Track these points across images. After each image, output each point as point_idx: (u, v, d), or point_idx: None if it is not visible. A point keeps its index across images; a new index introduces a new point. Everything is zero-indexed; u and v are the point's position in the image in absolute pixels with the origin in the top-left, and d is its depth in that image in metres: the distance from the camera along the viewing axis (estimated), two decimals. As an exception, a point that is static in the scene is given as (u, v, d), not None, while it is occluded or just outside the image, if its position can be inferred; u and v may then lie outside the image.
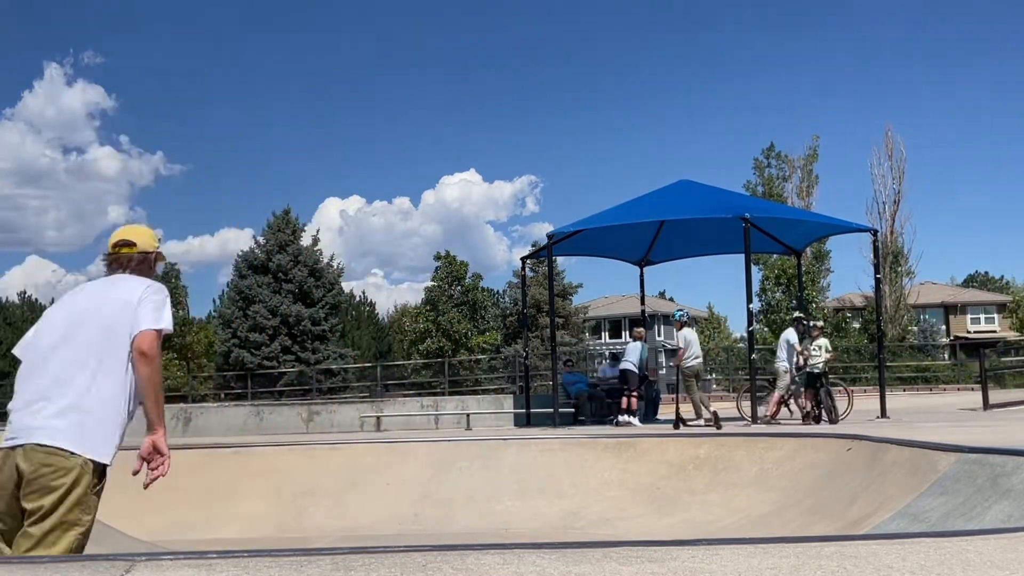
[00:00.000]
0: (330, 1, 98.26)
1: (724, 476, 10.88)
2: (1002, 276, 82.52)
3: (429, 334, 43.21)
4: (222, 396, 36.27)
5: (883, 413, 15.01)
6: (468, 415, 18.68)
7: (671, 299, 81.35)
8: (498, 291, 48.25)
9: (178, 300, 42.03)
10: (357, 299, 53.07)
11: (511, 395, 23.13)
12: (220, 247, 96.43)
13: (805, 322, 15.42)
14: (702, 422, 14.78)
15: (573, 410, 17.40)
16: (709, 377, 46.94)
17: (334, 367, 36.72)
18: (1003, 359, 40.77)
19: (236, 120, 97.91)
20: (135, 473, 3.89)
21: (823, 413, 14.37)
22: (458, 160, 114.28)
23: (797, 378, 14.85)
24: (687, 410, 15.52)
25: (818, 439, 10.76)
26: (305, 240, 39.23)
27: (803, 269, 24.71)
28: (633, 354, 16.86)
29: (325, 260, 39.36)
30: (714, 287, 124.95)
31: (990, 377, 19.91)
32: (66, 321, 3.82)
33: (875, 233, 19.21)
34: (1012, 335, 58.16)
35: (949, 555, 3.58)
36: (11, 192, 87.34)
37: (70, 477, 3.60)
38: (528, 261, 24.92)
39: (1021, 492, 6.09)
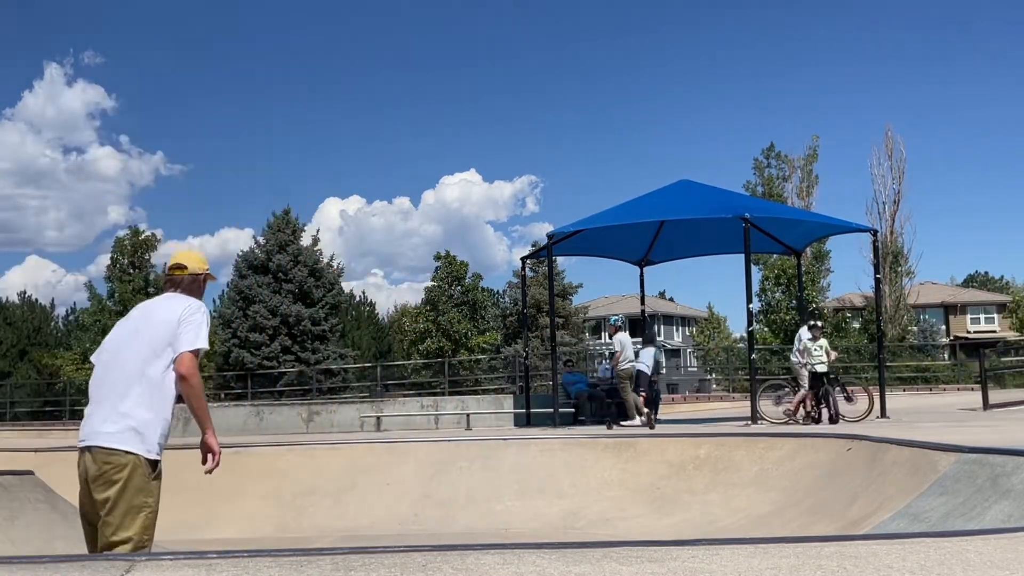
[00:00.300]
0: (330, 1, 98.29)
1: (724, 476, 10.88)
2: (1002, 276, 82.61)
3: (429, 334, 43.20)
4: (222, 396, 36.26)
5: (883, 413, 15.01)
6: (468, 415, 18.68)
7: (671, 299, 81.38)
8: (498, 291, 48.27)
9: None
10: (357, 299, 53.07)
11: (511, 395, 23.12)
12: (220, 247, 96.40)
13: (819, 326, 15.31)
14: (638, 422, 15.25)
15: (573, 410, 17.40)
16: (709, 377, 46.99)
17: (334, 367, 36.72)
18: (1003, 359, 40.77)
19: (236, 120, 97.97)
20: (204, 464, 4.80)
21: (823, 413, 14.36)
22: (458, 160, 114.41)
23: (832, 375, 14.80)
24: (693, 410, 15.52)
25: (818, 439, 10.76)
26: (305, 240, 39.23)
27: (803, 269, 24.71)
28: (647, 357, 17.11)
29: (325, 260, 39.35)
30: (714, 287, 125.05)
31: (990, 377, 19.90)
32: (122, 336, 4.62)
33: (875, 233, 19.21)
34: (1012, 335, 58.14)
35: (949, 555, 3.58)
36: (11, 192, 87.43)
37: (126, 472, 4.41)
38: (528, 261, 24.92)
39: (1021, 492, 6.09)
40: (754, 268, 37.42)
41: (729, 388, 37.48)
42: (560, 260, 38.04)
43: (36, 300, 53.42)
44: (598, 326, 72.43)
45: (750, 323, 15.91)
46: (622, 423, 15.48)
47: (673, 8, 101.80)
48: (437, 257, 45.93)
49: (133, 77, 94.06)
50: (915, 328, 48.52)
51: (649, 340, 17.74)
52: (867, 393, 15.08)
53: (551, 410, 16.72)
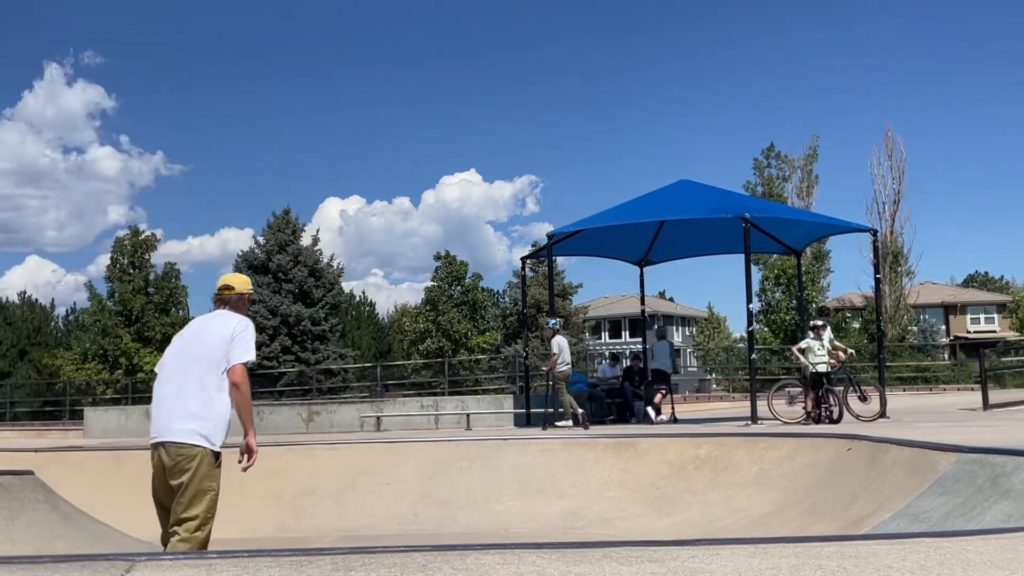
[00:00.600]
0: (330, 1, 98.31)
1: (724, 476, 10.87)
2: (1002, 276, 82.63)
3: (429, 334, 43.19)
4: (222, 396, 36.24)
5: (883, 413, 14.99)
6: (468, 415, 18.67)
7: (671, 299, 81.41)
8: (498, 291, 48.25)
9: (178, 300, 41.96)
10: (357, 299, 53.09)
11: (511, 395, 23.10)
12: (220, 247, 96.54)
13: (821, 326, 15.29)
14: (570, 423, 15.65)
15: (573, 410, 17.37)
16: (709, 377, 46.98)
17: (334, 367, 36.72)
18: (1003, 359, 40.76)
19: (236, 120, 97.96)
20: (240, 462, 5.60)
21: (823, 413, 14.33)
22: (458, 160, 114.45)
23: (834, 375, 14.73)
24: (693, 410, 15.50)
25: (818, 439, 10.75)
26: (305, 240, 39.23)
27: (803, 269, 24.71)
28: (662, 354, 17.31)
29: (325, 260, 39.35)
30: (714, 287, 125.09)
31: (990, 377, 19.89)
32: (183, 347, 5.47)
33: (875, 233, 19.18)
34: (1012, 335, 58.14)
35: (949, 555, 3.58)
36: (11, 192, 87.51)
37: (196, 461, 5.26)
38: (528, 261, 24.91)
39: (1021, 492, 6.09)
40: (754, 268, 37.44)
41: (729, 388, 37.46)
42: (560, 260, 38.05)
43: (36, 300, 53.49)
44: (598, 326, 72.49)
45: (750, 323, 15.89)
46: (556, 424, 15.88)
47: (673, 8, 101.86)
48: (437, 257, 45.94)
49: (133, 77, 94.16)
50: (915, 328, 48.50)
51: (661, 336, 18.11)
52: (878, 392, 14.93)
53: (551, 410, 16.71)
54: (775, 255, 34.31)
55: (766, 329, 41.80)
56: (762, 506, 9.81)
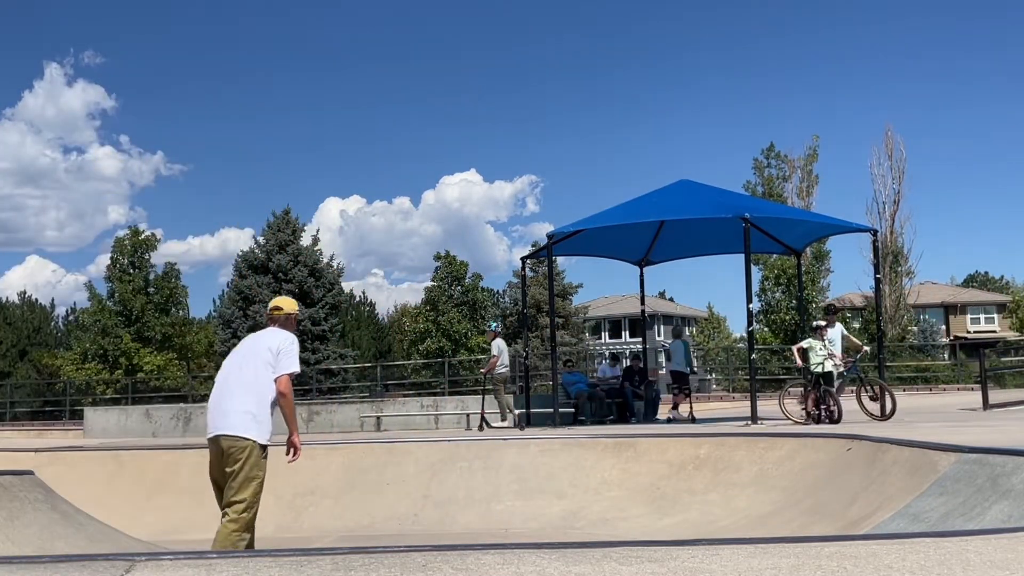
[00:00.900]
0: (329, 2, 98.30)
1: (724, 476, 10.87)
2: (1002, 276, 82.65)
3: (429, 334, 43.19)
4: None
5: (883, 414, 14.97)
6: (468, 415, 18.65)
7: (671, 299, 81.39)
8: (498, 291, 48.26)
9: (178, 300, 41.96)
10: (357, 299, 53.08)
11: (511, 395, 23.11)
12: (220, 247, 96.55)
13: (823, 326, 15.29)
14: (506, 424, 16.14)
15: (573, 410, 17.39)
16: (709, 377, 47.00)
17: (334, 367, 36.71)
18: (1003, 359, 40.75)
19: (236, 120, 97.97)
20: (287, 456, 6.54)
21: (823, 413, 14.31)
22: (458, 160, 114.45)
23: (845, 373, 14.68)
24: (693, 410, 15.50)
25: (818, 439, 10.74)
26: (305, 240, 39.22)
27: (803, 269, 24.69)
28: (678, 354, 17.55)
29: (325, 260, 39.34)
30: (714, 287, 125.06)
31: (990, 377, 19.88)
32: (240, 357, 6.51)
33: (875, 233, 19.17)
34: (1012, 335, 58.14)
35: (949, 555, 3.58)
36: (11, 192, 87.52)
37: (247, 452, 6.23)
38: (528, 261, 24.89)
39: (1021, 492, 6.09)
40: (754, 268, 37.42)
41: (729, 388, 37.46)
42: (560, 260, 38.04)
43: (36, 300, 53.49)
44: (598, 326, 72.46)
45: (750, 323, 15.88)
46: (492, 425, 16.45)
47: (673, 8, 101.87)
48: (437, 257, 45.96)
49: (133, 77, 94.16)
50: (915, 328, 48.49)
51: (677, 335, 18.47)
52: (888, 392, 14.84)
53: (551, 410, 16.71)
54: (775, 255, 34.31)
55: (766, 329, 41.79)
56: (762, 506, 9.80)
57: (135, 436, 18.97)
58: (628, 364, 19.82)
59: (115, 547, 8.04)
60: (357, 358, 40.15)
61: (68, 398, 36.12)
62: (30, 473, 8.82)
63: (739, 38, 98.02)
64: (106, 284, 40.93)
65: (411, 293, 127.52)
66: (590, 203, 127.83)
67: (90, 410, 22.88)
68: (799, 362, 15.01)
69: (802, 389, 15.37)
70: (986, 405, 16.85)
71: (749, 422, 14.78)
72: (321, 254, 39.32)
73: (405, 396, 28.16)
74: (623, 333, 73.75)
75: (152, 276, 41.02)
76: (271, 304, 6.77)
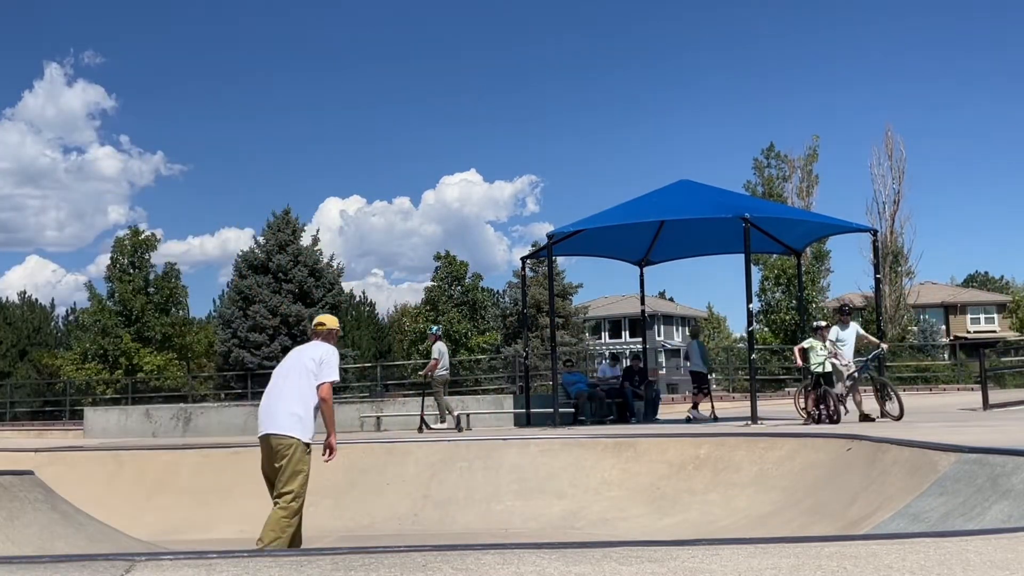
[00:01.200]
0: (329, 2, 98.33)
1: (724, 476, 10.87)
2: (1002, 276, 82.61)
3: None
4: (222, 396, 36.24)
5: (883, 413, 14.97)
6: (468, 415, 18.65)
7: (671, 299, 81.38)
8: (498, 291, 48.22)
9: (178, 300, 41.94)
10: (357, 299, 53.05)
11: (511, 395, 23.09)
12: (220, 247, 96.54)
13: (824, 326, 15.27)
14: (445, 425, 16.52)
15: (573, 410, 17.39)
16: (710, 377, 46.96)
17: (334, 367, 36.62)
18: (1003, 359, 40.74)
19: (236, 120, 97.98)
20: (323, 456, 7.29)
21: (823, 413, 14.29)
22: (458, 160, 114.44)
23: (856, 374, 14.58)
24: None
25: (818, 439, 10.75)
26: (305, 240, 39.20)
27: (803, 269, 24.69)
28: (696, 354, 17.71)
29: (325, 260, 39.33)
30: (714, 287, 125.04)
31: (990, 377, 19.87)
32: (288, 366, 7.36)
33: (875, 233, 19.18)
34: (1012, 335, 58.14)
35: (949, 555, 3.58)
36: (11, 192, 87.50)
37: (292, 448, 7.03)
38: (528, 261, 24.88)
39: (1021, 492, 6.09)
40: (754, 268, 37.41)
41: (729, 388, 37.43)
42: (560, 260, 38.02)
43: (36, 300, 53.44)
44: (598, 326, 72.47)
45: (750, 323, 15.89)
46: (431, 427, 16.86)
47: (673, 8, 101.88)
48: (437, 257, 45.96)
49: (133, 77, 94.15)
50: (915, 328, 48.47)
51: (694, 335, 18.69)
52: (895, 393, 14.75)
53: (551, 410, 16.71)
54: (775, 255, 34.30)
55: (766, 329, 41.79)
56: (762, 506, 9.80)
57: (135, 436, 18.97)
58: (628, 364, 19.82)
59: (115, 547, 8.05)
60: (357, 358, 40.14)
61: (68, 398, 36.11)
62: (30, 473, 8.82)
63: (739, 38, 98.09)
64: (106, 284, 40.94)
65: (411, 293, 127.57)
66: (590, 203, 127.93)
67: (90, 410, 22.88)
68: (799, 362, 15.00)
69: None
70: (986, 405, 16.84)
71: (749, 422, 14.78)
72: (321, 254, 39.32)
73: (405, 396, 28.15)
74: (623, 333, 73.75)
75: (152, 276, 41.00)
76: (315, 320, 7.75)
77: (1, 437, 23.34)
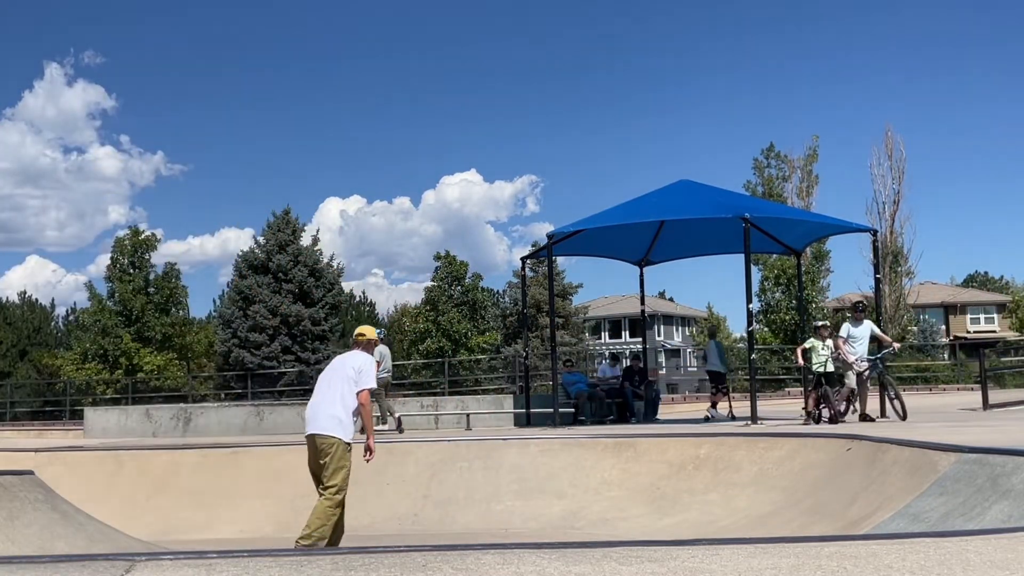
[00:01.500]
0: (329, 2, 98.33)
1: (724, 476, 10.87)
2: (1002, 276, 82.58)
3: (429, 334, 43.17)
4: (222, 396, 36.24)
5: (883, 413, 14.98)
6: (468, 415, 18.65)
7: (671, 299, 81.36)
8: (498, 291, 48.19)
9: (178, 300, 41.93)
10: (357, 299, 53.09)
11: (511, 395, 23.08)
12: (220, 247, 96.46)
13: (825, 326, 15.24)
14: (387, 427, 16.59)
15: (573, 410, 17.40)
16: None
17: (334, 367, 36.60)
18: (1003, 359, 40.73)
19: (236, 120, 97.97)
20: (364, 456, 8.05)
21: (823, 413, 14.29)
22: (458, 160, 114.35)
23: (867, 372, 14.51)
24: (693, 410, 15.47)
25: (818, 439, 10.75)
26: (305, 240, 39.19)
27: (803, 269, 24.68)
28: (713, 354, 17.77)
29: (325, 260, 39.32)
30: (714, 287, 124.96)
31: (990, 377, 19.87)
32: (330, 373, 8.17)
33: (875, 233, 19.17)
34: (1012, 335, 58.10)
35: (949, 555, 3.58)
36: (11, 192, 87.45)
37: (334, 447, 7.78)
38: (528, 261, 24.88)
39: (1021, 492, 6.10)
40: (754, 268, 37.39)
41: (729, 388, 37.39)
42: (560, 260, 38.01)
43: (36, 300, 53.47)
44: (598, 326, 72.47)
45: (750, 323, 15.89)
46: (378, 427, 16.77)
47: (673, 8, 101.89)
48: (437, 257, 45.90)
49: (133, 77, 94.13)
50: (915, 328, 48.45)
51: (711, 334, 18.77)
52: (898, 394, 14.65)
53: (551, 410, 16.71)
54: (775, 255, 34.29)
55: (766, 329, 41.76)
56: (762, 506, 9.81)
57: (135, 436, 18.96)
58: (628, 364, 19.82)
59: (115, 547, 8.05)
60: (357, 358, 40.04)
61: (68, 398, 36.10)
62: (30, 473, 8.82)
63: (739, 38, 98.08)
64: (106, 284, 40.91)
65: (411, 293, 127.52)
66: (590, 203, 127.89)
67: (90, 410, 22.87)
68: (800, 361, 14.98)
69: (837, 387, 14.98)
70: (986, 405, 16.85)
71: (749, 422, 14.78)
72: (321, 254, 39.30)
73: (405, 396, 28.15)
74: (623, 333, 73.75)
75: (152, 276, 40.98)
76: (356, 331, 8.55)
77: (1, 437, 23.34)
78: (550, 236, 18.15)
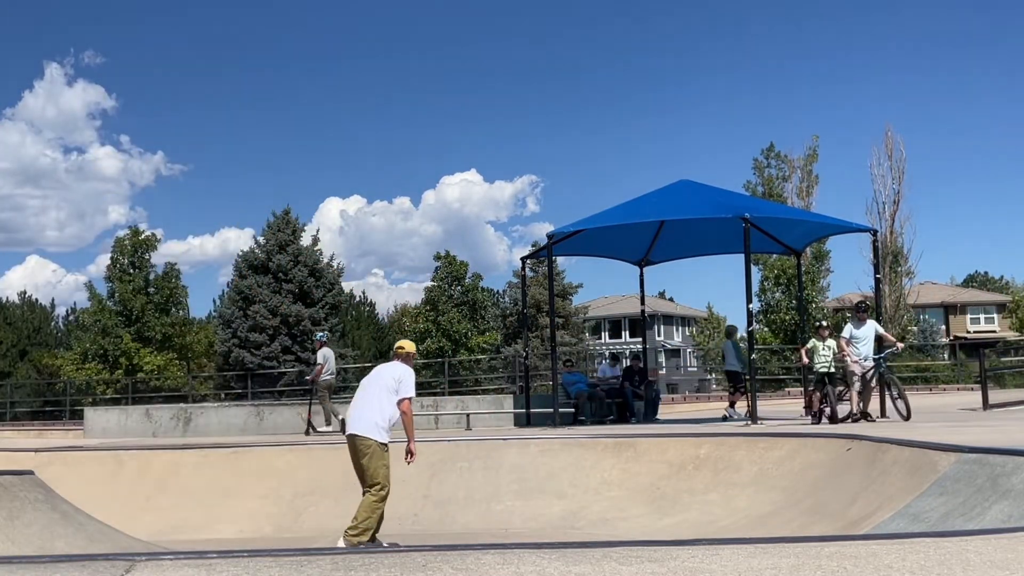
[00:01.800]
0: (329, 2, 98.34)
1: (724, 476, 10.87)
2: (1002, 276, 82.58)
3: (429, 334, 43.17)
4: (222, 396, 36.22)
5: (883, 413, 14.98)
6: (468, 415, 18.65)
7: (671, 299, 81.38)
8: (498, 291, 48.19)
9: (178, 300, 41.92)
10: (357, 299, 53.04)
11: (511, 395, 23.08)
12: (220, 247, 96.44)
13: (825, 326, 15.22)
14: (331, 428, 16.83)
15: (573, 410, 17.40)
16: (709, 377, 46.97)
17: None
18: (1003, 359, 40.73)
19: (236, 120, 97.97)
20: (405, 458, 8.82)
21: (823, 413, 14.29)
22: (458, 160, 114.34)
23: (871, 372, 14.43)
24: (693, 410, 15.46)
25: (818, 439, 10.75)
26: (305, 240, 39.17)
27: (803, 269, 24.68)
28: (730, 354, 17.72)
29: (325, 260, 39.31)
30: (714, 287, 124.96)
31: (990, 377, 19.87)
32: (371, 381, 8.98)
33: (875, 233, 19.16)
34: (1012, 335, 58.10)
35: (949, 555, 3.58)
36: (11, 192, 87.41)
37: (371, 448, 8.50)
38: (528, 261, 24.88)
39: (1021, 492, 6.10)
40: (754, 268, 37.37)
41: (747, 387, 37.33)
42: (560, 260, 38.00)
43: (36, 300, 53.42)
44: (598, 326, 72.48)
45: (750, 323, 15.90)
46: (318, 430, 17.20)
47: (673, 9, 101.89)
48: (437, 257, 45.90)
49: (133, 77, 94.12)
50: (915, 328, 48.44)
51: (728, 334, 18.69)
52: (902, 394, 14.55)
53: (551, 410, 16.71)
54: (775, 255, 34.30)
55: (766, 329, 41.77)
56: (762, 506, 9.81)
57: (135, 436, 18.96)
58: (628, 364, 19.81)
59: (115, 547, 8.05)
60: (357, 358, 40.14)
61: (68, 398, 36.09)
62: (30, 473, 8.82)
63: (739, 38, 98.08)
64: (106, 284, 40.88)
65: (411, 293, 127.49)
66: (590, 203, 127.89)
67: (90, 410, 22.87)
68: (804, 360, 14.97)
69: (841, 388, 14.85)
70: (986, 405, 16.84)
71: (749, 422, 14.78)
72: (321, 254, 39.29)
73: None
74: (623, 333, 73.76)
75: (152, 276, 40.95)
76: (396, 344, 9.38)
77: (1, 437, 23.34)
78: (550, 236, 18.15)
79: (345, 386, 36.86)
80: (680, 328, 76.49)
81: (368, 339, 47.96)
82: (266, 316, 36.09)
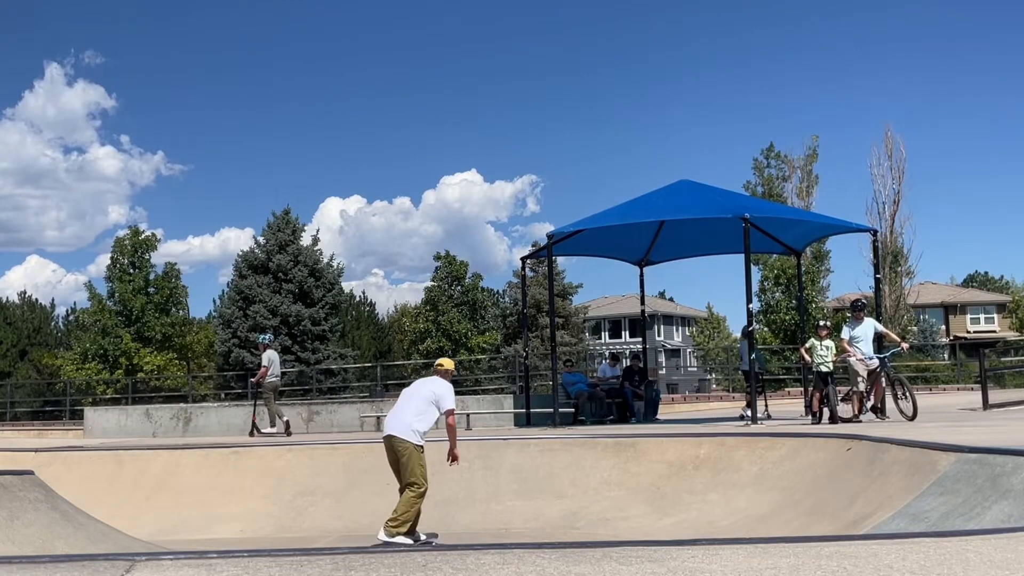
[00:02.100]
0: (329, 2, 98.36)
1: (724, 476, 10.87)
2: (1002, 276, 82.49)
3: (429, 334, 43.18)
4: (222, 396, 36.22)
5: (883, 413, 14.97)
6: (468, 415, 18.65)
7: (671, 299, 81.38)
8: (498, 291, 48.20)
9: (178, 300, 41.93)
10: (357, 299, 53.06)
11: (511, 395, 23.08)
12: (220, 247, 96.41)
13: (826, 326, 15.19)
14: (275, 430, 16.91)
15: (573, 410, 17.40)
16: (709, 377, 46.97)
17: (334, 367, 36.69)
18: (1003, 359, 40.76)
19: (236, 120, 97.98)
20: (447, 460, 9.93)
21: (823, 412, 14.28)
22: (458, 160, 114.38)
23: (877, 370, 14.36)
24: (693, 410, 15.43)
25: (818, 439, 10.75)
26: (305, 240, 39.19)
27: (803, 269, 24.67)
28: (746, 353, 17.59)
29: (325, 260, 39.32)
30: (714, 287, 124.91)
31: (990, 377, 19.87)
32: (413, 391, 9.76)
33: (875, 233, 19.16)
34: (1012, 335, 58.12)
35: (949, 555, 3.58)
36: (11, 192, 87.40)
37: (408, 450, 9.27)
38: (528, 261, 24.87)
39: (1021, 492, 6.10)
40: (754, 268, 37.38)
41: (729, 388, 37.42)
42: (560, 260, 38.01)
43: (36, 300, 53.46)
44: (598, 326, 72.49)
45: (750, 323, 15.89)
46: (262, 432, 16.99)
47: (674, 8, 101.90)
48: (437, 257, 45.92)
49: (133, 77, 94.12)
50: (915, 328, 48.44)
51: (745, 334, 18.30)
52: (910, 392, 14.47)
53: (551, 410, 16.71)
54: (775, 255, 34.29)
55: (766, 329, 41.77)
56: (762, 506, 9.81)
57: (135, 436, 18.96)
58: (628, 364, 19.81)
59: (115, 547, 8.05)
60: (357, 358, 40.15)
61: (68, 398, 36.10)
62: (30, 473, 8.82)
63: (739, 38, 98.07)
64: (106, 284, 40.90)
65: (411, 293, 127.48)
66: (590, 203, 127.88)
67: (90, 410, 22.87)
68: (807, 359, 14.96)
69: (847, 388, 14.79)
70: (986, 405, 16.84)
71: (749, 422, 14.78)
72: (321, 254, 39.31)
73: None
74: (623, 333, 73.76)
75: (152, 276, 40.96)
76: (437, 361, 10.29)
77: (1, 437, 23.34)
78: (550, 236, 18.15)
79: (345, 386, 36.92)
80: (680, 328, 76.49)
81: (368, 339, 47.99)
82: (266, 316, 36.12)
